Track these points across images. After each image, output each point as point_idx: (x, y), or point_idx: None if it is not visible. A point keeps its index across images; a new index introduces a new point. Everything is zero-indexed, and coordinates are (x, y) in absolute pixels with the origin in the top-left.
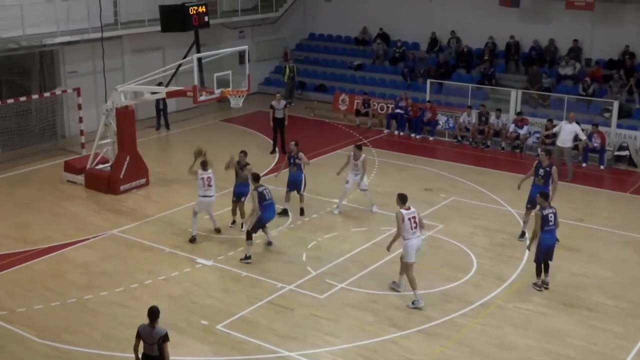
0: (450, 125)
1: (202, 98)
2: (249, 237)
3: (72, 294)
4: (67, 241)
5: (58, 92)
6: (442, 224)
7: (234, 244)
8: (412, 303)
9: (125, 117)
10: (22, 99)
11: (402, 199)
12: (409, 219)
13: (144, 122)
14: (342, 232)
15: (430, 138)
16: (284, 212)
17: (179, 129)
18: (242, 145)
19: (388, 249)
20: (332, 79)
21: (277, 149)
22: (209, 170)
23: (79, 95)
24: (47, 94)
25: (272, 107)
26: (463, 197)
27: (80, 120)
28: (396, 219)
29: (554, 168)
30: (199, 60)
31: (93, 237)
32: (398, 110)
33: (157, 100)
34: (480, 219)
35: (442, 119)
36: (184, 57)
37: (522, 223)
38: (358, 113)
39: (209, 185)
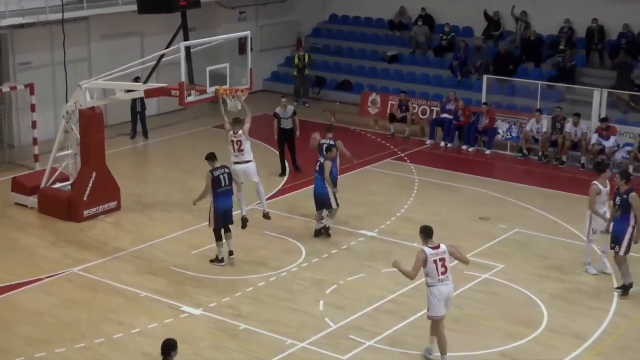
0: (514, 134)
1: (191, 99)
2: (217, 236)
3: (21, 350)
4: (14, 282)
5: (6, 89)
6: (502, 264)
7: (230, 288)
8: None
9: (91, 122)
10: None
11: (427, 233)
12: (435, 261)
13: (116, 129)
14: (370, 274)
15: (487, 151)
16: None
17: (160, 138)
18: None
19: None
20: (359, 74)
21: (287, 167)
22: (239, 133)
23: (32, 93)
24: None
25: (276, 115)
26: (530, 229)
27: (34, 125)
28: (416, 259)
29: (633, 196)
30: (188, 49)
31: (48, 277)
32: (445, 115)
33: (134, 101)
34: (552, 258)
35: (502, 127)
36: (168, 46)
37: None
38: (393, 118)
39: (240, 150)
